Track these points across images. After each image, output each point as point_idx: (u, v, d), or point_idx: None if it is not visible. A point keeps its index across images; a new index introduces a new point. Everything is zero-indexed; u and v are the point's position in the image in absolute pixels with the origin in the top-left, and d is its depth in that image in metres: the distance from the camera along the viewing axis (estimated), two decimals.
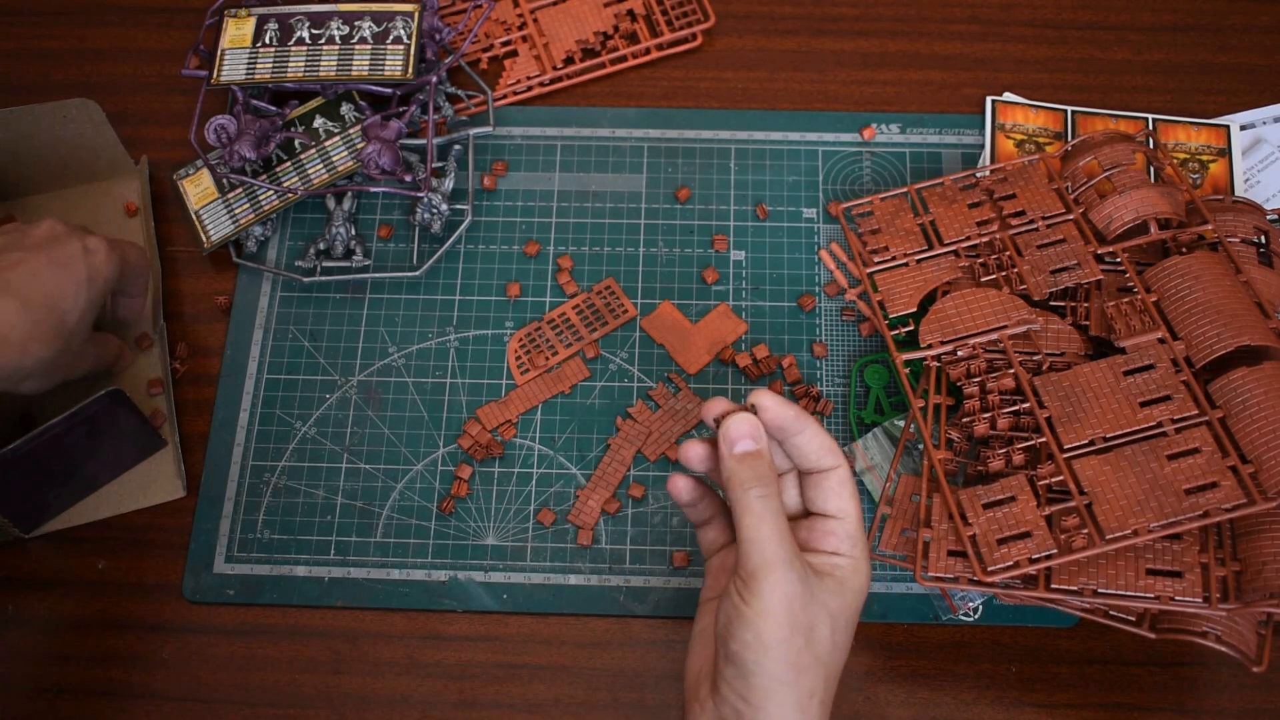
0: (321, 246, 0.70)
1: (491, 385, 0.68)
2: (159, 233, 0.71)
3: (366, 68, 0.71)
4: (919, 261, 0.65)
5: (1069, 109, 0.75)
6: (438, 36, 0.73)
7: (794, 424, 0.47)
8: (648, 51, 0.77)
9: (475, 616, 0.63)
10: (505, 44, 0.78)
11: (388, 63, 0.71)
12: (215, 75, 0.71)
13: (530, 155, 0.74)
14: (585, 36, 0.77)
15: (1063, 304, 0.64)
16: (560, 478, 0.65)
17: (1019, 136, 0.74)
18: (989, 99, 0.75)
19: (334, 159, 0.71)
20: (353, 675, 0.61)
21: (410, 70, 0.71)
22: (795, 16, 0.79)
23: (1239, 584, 0.54)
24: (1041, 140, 0.74)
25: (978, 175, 0.69)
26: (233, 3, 0.74)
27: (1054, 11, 0.79)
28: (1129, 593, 0.54)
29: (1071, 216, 0.65)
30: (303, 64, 0.71)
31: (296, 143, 0.71)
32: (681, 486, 0.52)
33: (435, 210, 0.70)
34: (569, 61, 0.77)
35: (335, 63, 0.71)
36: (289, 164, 0.71)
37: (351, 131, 0.72)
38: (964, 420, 0.61)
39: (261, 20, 0.73)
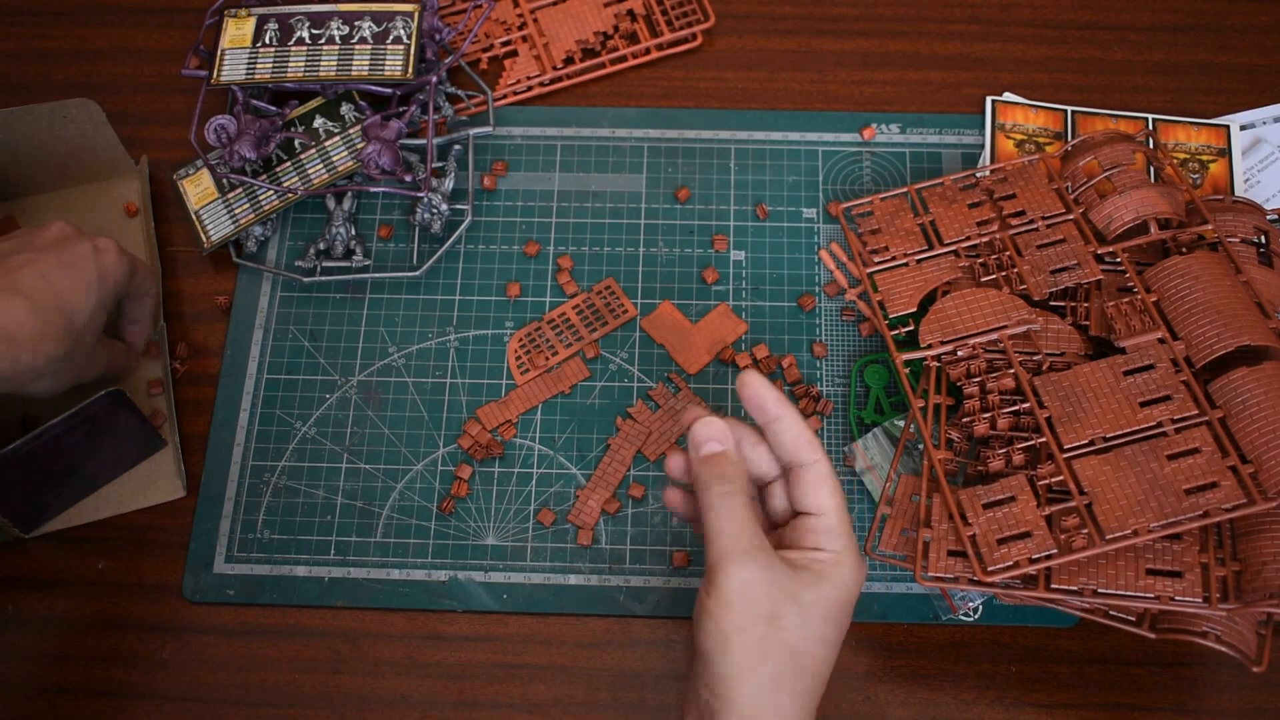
0: (321, 246, 0.70)
1: (491, 385, 0.68)
2: (159, 233, 0.71)
3: (366, 68, 0.71)
4: (919, 261, 0.65)
5: (1069, 109, 0.75)
6: (438, 36, 0.73)
7: (773, 407, 0.48)
8: (648, 51, 0.77)
9: (475, 616, 0.63)
10: (505, 44, 0.78)
11: (388, 63, 0.71)
12: (215, 75, 0.71)
13: (530, 155, 0.74)
14: (585, 36, 0.77)
15: (1063, 304, 0.64)
16: (560, 478, 0.65)
17: (1019, 136, 0.74)
18: (989, 99, 0.75)
19: (334, 159, 0.71)
20: (353, 675, 0.61)
21: (410, 70, 0.71)
22: (795, 16, 0.79)
23: (1239, 584, 0.54)
24: (1041, 140, 0.74)
25: (978, 175, 0.69)
26: (233, 3, 0.74)
27: (1054, 11, 0.79)
28: (1129, 593, 0.54)
29: (1071, 216, 0.65)
30: (303, 64, 0.71)
31: (296, 143, 0.71)
32: (675, 500, 0.53)
33: (435, 210, 0.70)
34: (569, 61, 0.77)
35: (335, 63, 0.71)
36: (289, 164, 0.71)
37: (351, 131, 0.72)
38: (964, 420, 0.61)
39: (261, 20, 0.73)
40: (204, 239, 0.70)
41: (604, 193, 0.73)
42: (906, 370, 0.63)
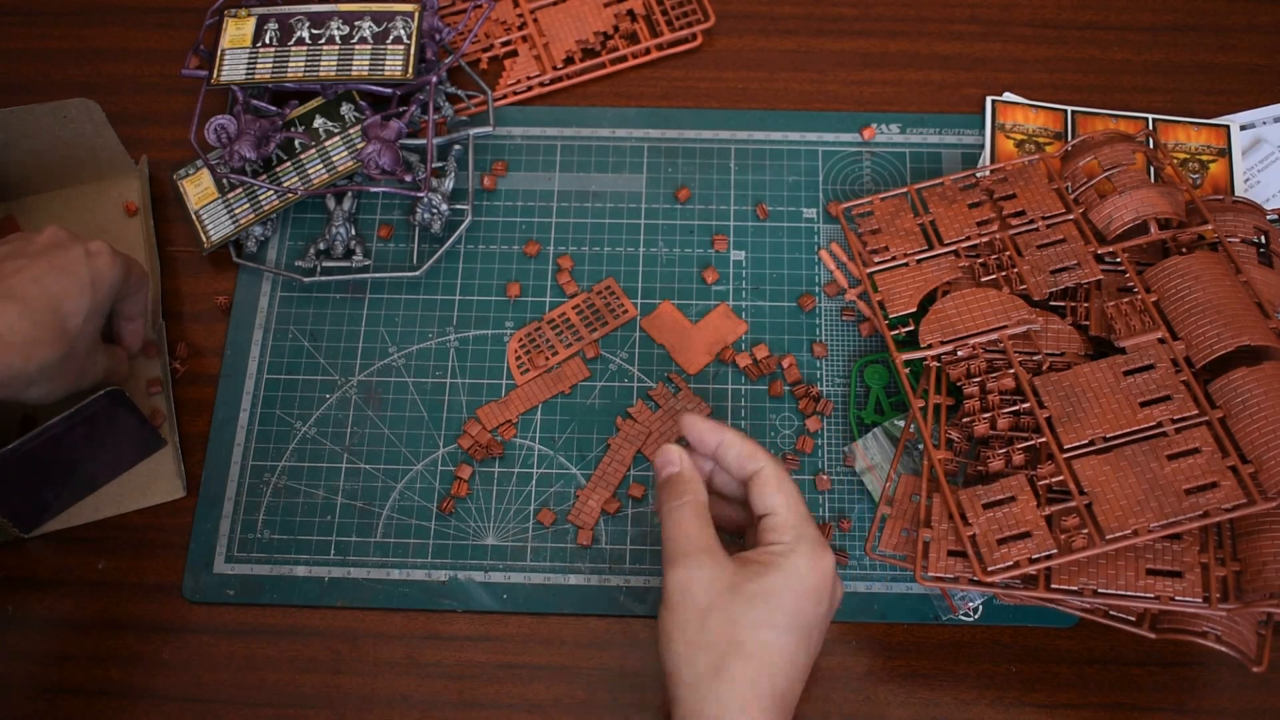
0: (321, 246, 0.70)
1: (491, 385, 0.68)
2: (159, 233, 0.71)
3: (366, 68, 0.71)
4: (919, 261, 0.65)
5: (1069, 109, 0.75)
6: (438, 36, 0.73)
7: (710, 435, 0.53)
8: (648, 51, 0.77)
9: (475, 616, 0.63)
10: (505, 44, 0.78)
11: (388, 63, 0.71)
12: (215, 75, 0.71)
13: (530, 155, 0.74)
14: (585, 36, 0.77)
15: (1063, 304, 0.64)
16: (560, 478, 0.65)
17: (1019, 136, 0.74)
18: (989, 99, 0.75)
19: (334, 159, 0.71)
20: (353, 675, 0.61)
21: (410, 70, 0.71)
22: (795, 16, 0.79)
23: (1239, 584, 0.54)
24: (1041, 140, 0.74)
25: (978, 175, 0.69)
26: (233, 3, 0.74)
27: (1054, 11, 0.79)
28: (1129, 593, 0.54)
29: (1071, 216, 0.65)
30: (303, 64, 0.71)
31: (296, 143, 0.71)
32: None
33: (435, 210, 0.70)
34: (569, 61, 0.77)
35: (335, 63, 0.71)
36: (289, 164, 0.71)
37: (351, 131, 0.72)
38: (964, 420, 0.61)
39: (261, 20, 0.73)
40: (204, 239, 0.70)
41: (604, 193, 0.73)
42: (906, 370, 0.63)
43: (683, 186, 0.73)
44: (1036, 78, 0.76)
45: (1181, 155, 0.73)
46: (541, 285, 0.70)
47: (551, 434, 0.67)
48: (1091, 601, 0.55)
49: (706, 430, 0.53)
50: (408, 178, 0.70)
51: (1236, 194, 0.71)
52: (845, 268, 0.70)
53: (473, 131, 0.74)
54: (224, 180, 0.71)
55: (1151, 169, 0.71)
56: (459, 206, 0.72)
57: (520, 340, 0.69)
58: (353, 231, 0.71)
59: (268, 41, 0.72)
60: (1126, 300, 0.61)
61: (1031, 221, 0.65)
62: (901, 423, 0.64)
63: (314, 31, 0.72)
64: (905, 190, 0.69)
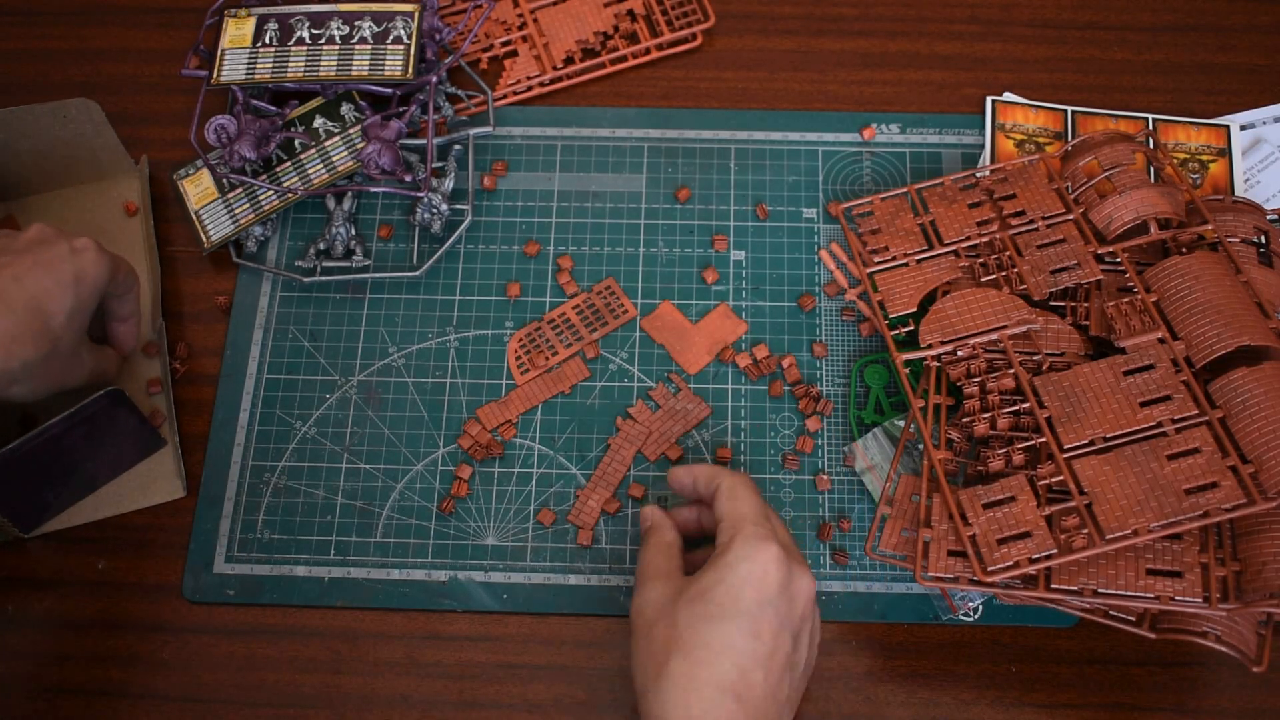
0: (321, 246, 0.70)
1: (491, 385, 0.68)
2: (159, 233, 0.71)
3: (366, 68, 0.71)
4: (919, 261, 0.65)
5: (1069, 109, 0.75)
6: (438, 36, 0.73)
7: (685, 476, 0.58)
8: (648, 51, 0.77)
9: (475, 616, 0.63)
10: (505, 44, 0.78)
11: (388, 63, 0.71)
12: (215, 75, 0.71)
13: (530, 155, 0.74)
14: (585, 36, 0.77)
15: (1063, 304, 0.64)
16: (560, 478, 0.65)
17: (1019, 136, 0.74)
18: (989, 99, 0.75)
19: (334, 159, 0.71)
20: (353, 675, 0.61)
21: (410, 70, 0.71)
22: (795, 16, 0.79)
23: (1239, 584, 0.54)
24: (1041, 140, 0.74)
25: (978, 175, 0.69)
26: (233, 3, 0.74)
27: (1054, 11, 0.79)
28: (1129, 593, 0.54)
29: (1071, 216, 0.65)
30: (303, 64, 0.71)
31: (296, 143, 0.71)
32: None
33: (435, 210, 0.70)
34: (569, 61, 0.77)
35: (335, 63, 0.71)
36: (289, 164, 0.71)
37: (351, 131, 0.72)
38: (964, 420, 0.61)
39: (261, 20, 0.73)
40: (204, 239, 0.70)
41: (604, 193, 0.73)
42: (906, 370, 0.63)
43: (683, 186, 0.73)
44: (1036, 78, 0.76)
45: (1181, 155, 0.73)
46: (541, 285, 0.70)
47: (551, 434, 0.67)
48: (1091, 601, 0.55)
49: (682, 474, 0.58)
50: (408, 178, 0.70)
51: (1236, 194, 0.71)
52: (845, 268, 0.70)
53: (473, 131, 0.74)
54: (224, 180, 0.71)
55: (1151, 169, 0.71)
56: (459, 206, 0.72)
57: (520, 340, 0.69)
58: (353, 231, 0.71)
59: (268, 41, 0.72)
60: (1126, 300, 0.61)
61: (1031, 221, 0.65)
62: (901, 423, 0.64)
63: (314, 31, 0.72)
64: (905, 190, 0.69)
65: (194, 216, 0.71)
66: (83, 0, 0.80)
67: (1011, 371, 0.60)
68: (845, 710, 0.60)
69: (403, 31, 0.72)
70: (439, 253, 0.70)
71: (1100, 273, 0.63)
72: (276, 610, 0.63)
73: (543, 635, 0.62)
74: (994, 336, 0.61)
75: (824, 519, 0.64)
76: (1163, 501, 0.54)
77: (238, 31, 0.72)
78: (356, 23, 0.72)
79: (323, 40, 0.72)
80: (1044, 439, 0.58)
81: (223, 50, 0.72)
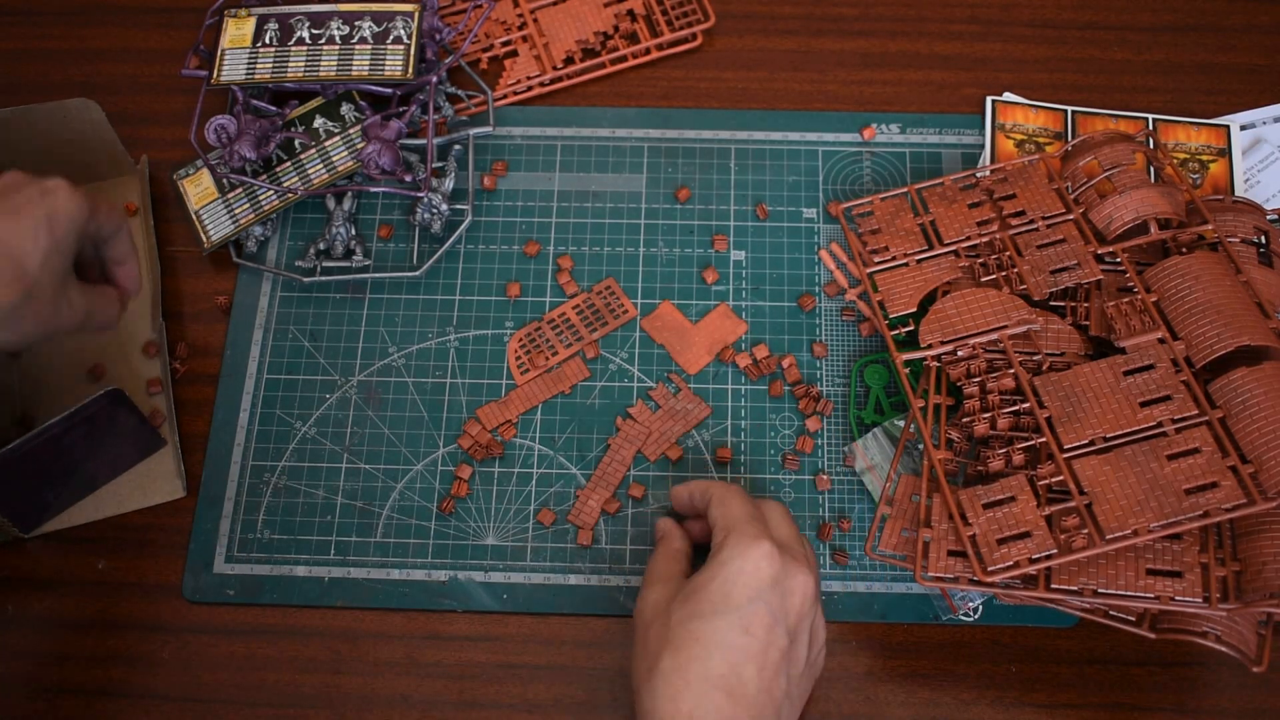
0: (321, 246, 0.70)
1: (491, 385, 0.68)
2: (159, 233, 0.71)
3: (366, 68, 0.71)
4: (919, 261, 0.65)
5: (1069, 109, 0.75)
6: (438, 36, 0.73)
7: (683, 492, 0.60)
8: (648, 51, 0.77)
9: (475, 616, 0.63)
10: (505, 44, 0.78)
11: (388, 63, 0.71)
12: (215, 75, 0.71)
13: (530, 155, 0.74)
14: (585, 36, 0.77)
15: (1063, 304, 0.64)
16: (560, 478, 0.65)
17: (1019, 136, 0.74)
18: (989, 99, 0.75)
19: (334, 159, 0.71)
20: (353, 675, 0.61)
21: (410, 70, 0.71)
22: (795, 16, 0.79)
23: (1239, 584, 0.54)
24: (1041, 140, 0.74)
25: (978, 175, 0.69)
26: (233, 3, 0.74)
27: (1054, 11, 0.79)
28: (1129, 593, 0.54)
29: (1071, 216, 0.65)
30: (303, 64, 0.71)
31: (296, 143, 0.71)
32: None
33: (435, 210, 0.70)
34: (569, 61, 0.77)
35: (335, 63, 0.71)
36: (289, 164, 0.71)
37: (351, 131, 0.72)
38: (964, 420, 0.61)
39: (261, 20, 0.73)
40: (204, 239, 0.70)
41: (604, 193, 0.73)
42: (906, 370, 0.63)
43: (683, 186, 0.73)
44: (1036, 78, 0.76)
45: (1181, 155, 0.73)
46: (541, 285, 0.70)
47: (551, 434, 0.67)
48: (1091, 601, 0.55)
49: (680, 491, 0.60)
50: (408, 178, 0.70)
51: (1236, 194, 0.71)
52: (845, 268, 0.70)
53: (473, 131, 0.74)
54: (224, 180, 0.71)
55: (1151, 169, 0.71)
56: (459, 206, 0.72)
57: (520, 340, 0.69)
58: (353, 231, 0.71)
59: (268, 41, 0.72)
60: (1126, 300, 0.61)
61: (1031, 221, 0.65)
62: (901, 423, 0.64)
63: (314, 31, 0.72)
64: (905, 190, 0.69)
65: (194, 216, 0.71)
66: (83, 0, 0.80)
67: (1011, 371, 0.60)
68: (845, 710, 0.60)
69: (403, 31, 0.72)
70: (439, 253, 0.70)
71: (1100, 273, 0.63)
72: (276, 610, 0.63)
73: (543, 635, 0.62)
74: (994, 336, 0.61)
75: (824, 519, 0.64)
76: (1163, 501, 0.54)
77: (238, 31, 0.72)
78: (356, 23, 0.72)
79: (323, 40, 0.72)
80: (1044, 439, 0.58)
81: (223, 50, 0.72)
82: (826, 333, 0.69)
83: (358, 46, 0.71)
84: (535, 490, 0.65)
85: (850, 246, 0.67)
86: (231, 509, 0.65)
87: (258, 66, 0.71)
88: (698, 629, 0.50)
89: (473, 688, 0.61)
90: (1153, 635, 0.56)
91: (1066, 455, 0.57)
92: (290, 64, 0.71)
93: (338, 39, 0.72)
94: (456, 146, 0.74)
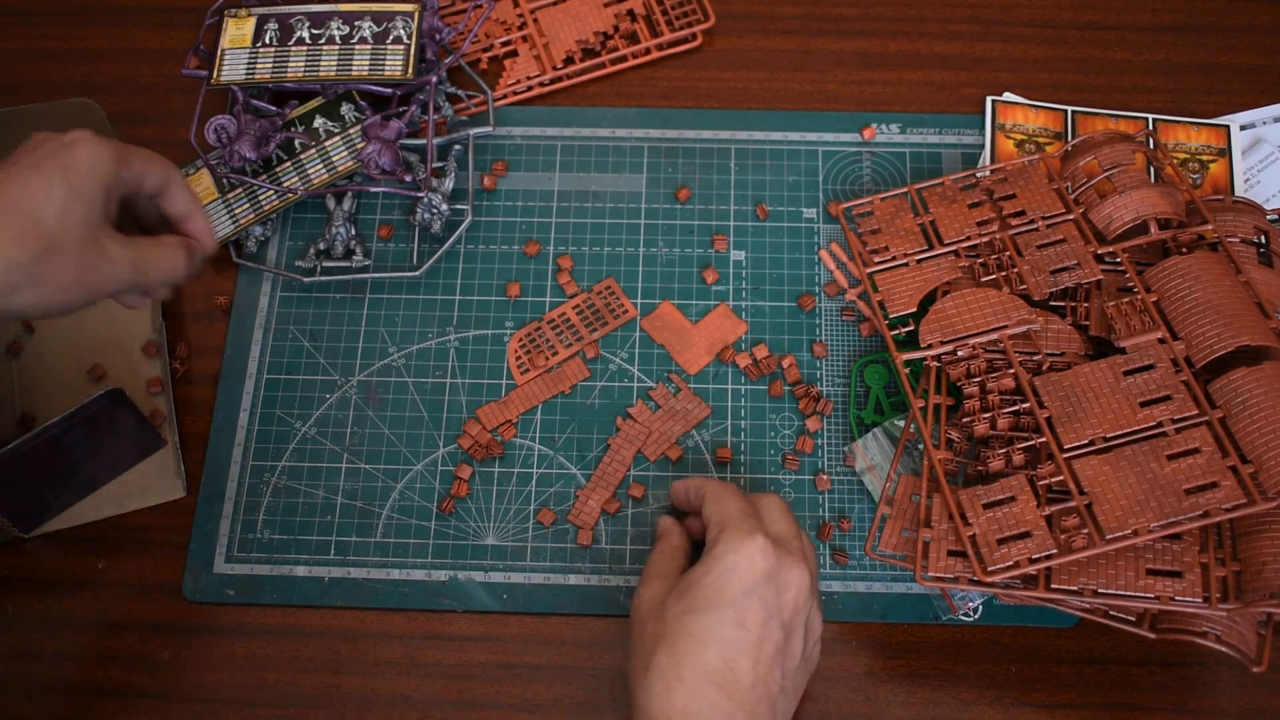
0: (321, 246, 0.70)
1: (491, 385, 0.68)
2: None
3: (366, 68, 0.71)
4: (919, 261, 0.65)
5: (1069, 109, 0.75)
6: (438, 36, 0.73)
7: (680, 489, 0.60)
8: (648, 51, 0.77)
9: (475, 616, 0.63)
10: (505, 44, 0.78)
11: (388, 63, 0.71)
12: (215, 75, 0.71)
13: (530, 155, 0.74)
14: (585, 36, 0.77)
15: (1063, 304, 0.64)
16: (560, 478, 0.65)
17: (1019, 136, 0.74)
18: (989, 99, 0.75)
19: (334, 159, 0.71)
20: (353, 675, 0.61)
21: (410, 70, 0.71)
22: (795, 16, 0.79)
23: (1239, 584, 0.54)
24: (1041, 140, 0.74)
25: (978, 175, 0.69)
26: (233, 3, 0.74)
27: (1054, 11, 0.79)
28: (1129, 593, 0.54)
29: (1071, 216, 0.65)
30: (303, 64, 0.71)
31: (296, 143, 0.71)
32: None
33: (435, 210, 0.70)
34: (569, 61, 0.77)
35: (335, 63, 0.71)
36: (289, 164, 0.71)
37: (351, 131, 0.72)
38: (964, 420, 0.61)
39: (261, 20, 0.73)
40: None
41: (604, 193, 0.73)
42: (906, 370, 0.63)
43: (683, 186, 0.73)
44: (1036, 78, 0.76)
45: (1181, 155, 0.73)
46: (541, 285, 0.70)
47: (551, 434, 0.67)
48: (1091, 601, 0.55)
49: (679, 487, 0.60)
50: (408, 178, 0.70)
51: (1236, 194, 0.71)
52: (845, 268, 0.70)
53: (473, 131, 0.74)
54: (224, 180, 0.71)
55: (1151, 169, 0.71)
56: (459, 206, 0.72)
57: (520, 340, 0.69)
58: (353, 231, 0.71)
59: (268, 41, 0.72)
60: (1126, 300, 0.61)
61: (1031, 221, 0.65)
62: (901, 423, 0.64)
63: (314, 31, 0.72)
64: (905, 190, 0.69)
65: None
66: (83, 0, 0.80)
67: (1011, 371, 0.60)
68: (845, 710, 0.60)
69: (403, 31, 0.72)
70: (439, 253, 0.70)
71: (1100, 273, 0.63)
72: (276, 610, 0.63)
73: (543, 635, 0.62)
74: (994, 336, 0.61)
75: (824, 519, 0.64)
76: (1163, 501, 0.54)
77: (238, 31, 0.72)
78: (356, 23, 0.72)
79: (323, 40, 0.72)
80: (1044, 439, 0.58)
81: (223, 50, 0.72)
82: (826, 333, 0.69)
83: (358, 46, 0.71)
84: (535, 490, 0.65)
85: (850, 246, 0.67)
86: (231, 509, 0.65)
87: (258, 66, 0.71)
88: (692, 624, 0.50)
89: (473, 688, 0.61)
90: (1153, 635, 0.56)
91: (1066, 455, 0.57)
92: (290, 64, 0.71)
93: (338, 39, 0.72)
94: (456, 146, 0.74)
